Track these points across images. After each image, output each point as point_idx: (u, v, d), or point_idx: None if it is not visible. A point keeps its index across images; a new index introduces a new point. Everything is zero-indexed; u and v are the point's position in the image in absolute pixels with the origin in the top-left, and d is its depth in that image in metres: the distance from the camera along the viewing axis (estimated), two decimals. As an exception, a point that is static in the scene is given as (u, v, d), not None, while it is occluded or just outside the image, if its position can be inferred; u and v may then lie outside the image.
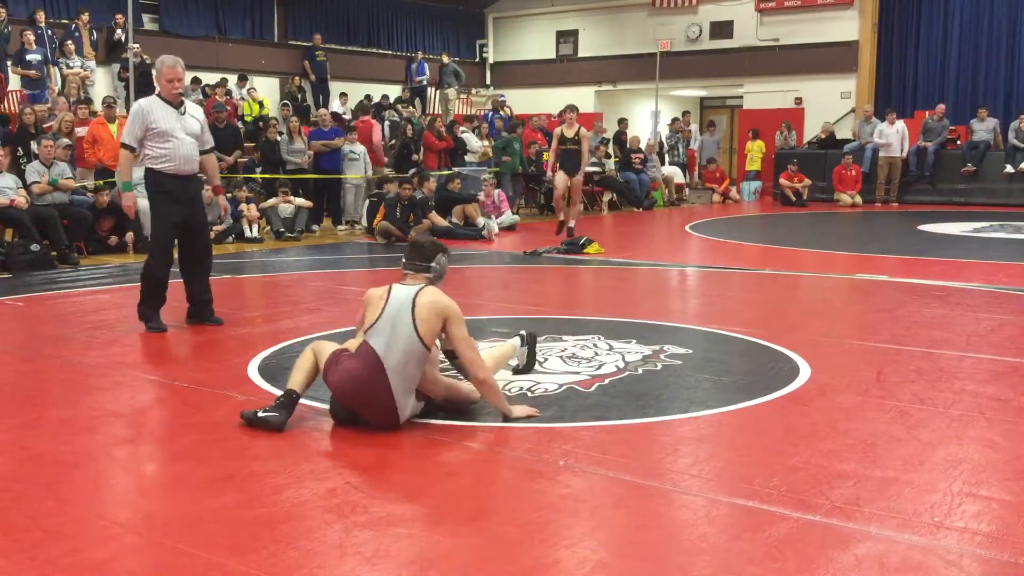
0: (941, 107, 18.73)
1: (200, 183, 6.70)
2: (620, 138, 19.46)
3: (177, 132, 6.30)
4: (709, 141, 21.47)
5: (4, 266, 9.41)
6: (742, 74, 21.87)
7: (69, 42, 15.10)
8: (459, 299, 4.51)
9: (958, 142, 18.64)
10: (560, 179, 11.92)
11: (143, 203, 11.23)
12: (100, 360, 5.64)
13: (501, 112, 20.22)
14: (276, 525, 3.16)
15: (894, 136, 18.14)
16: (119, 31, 15.97)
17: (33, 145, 11.15)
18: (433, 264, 4.41)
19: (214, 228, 11.95)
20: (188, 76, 17.20)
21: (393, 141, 16.46)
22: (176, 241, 6.57)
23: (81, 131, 12.17)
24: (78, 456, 3.91)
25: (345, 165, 14.10)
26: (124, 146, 6.42)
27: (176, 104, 6.36)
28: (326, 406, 4.48)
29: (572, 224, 11.94)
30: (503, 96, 22.31)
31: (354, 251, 11.75)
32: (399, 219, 12.25)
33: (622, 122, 20.66)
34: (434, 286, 4.37)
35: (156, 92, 6.44)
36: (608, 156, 18.76)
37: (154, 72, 6.37)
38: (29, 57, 14.23)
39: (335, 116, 15.61)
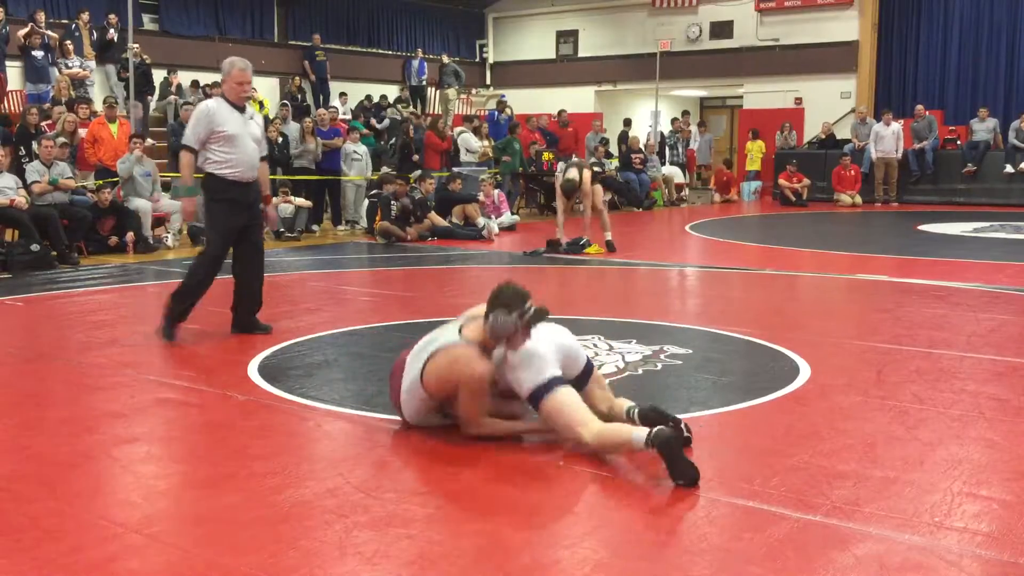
0: (920, 108, 18.68)
1: (259, 189, 6.41)
2: (625, 138, 19.49)
3: (243, 137, 6.05)
4: (701, 141, 21.46)
5: (4, 266, 9.41)
6: (742, 74, 21.88)
7: (68, 42, 15.10)
8: (458, 299, 4.50)
9: (958, 142, 18.64)
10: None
11: (138, 202, 11.35)
12: (100, 360, 5.64)
13: (505, 112, 20.25)
14: (276, 525, 3.16)
15: (890, 137, 18.14)
16: (112, 31, 15.98)
17: (34, 145, 11.15)
18: (489, 318, 3.87)
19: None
20: (187, 77, 17.46)
21: (393, 141, 16.46)
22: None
23: (83, 131, 12.19)
24: (78, 456, 3.91)
25: (347, 165, 14.10)
26: (186, 148, 6.11)
27: (242, 108, 6.13)
28: (327, 407, 4.48)
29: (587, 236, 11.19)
30: (504, 96, 22.32)
31: (354, 251, 11.75)
32: (394, 218, 12.24)
33: (627, 123, 20.66)
34: (475, 348, 3.88)
35: (220, 94, 6.19)
36: (609, 156, 18.76)
37: (221, 74, 6.14)
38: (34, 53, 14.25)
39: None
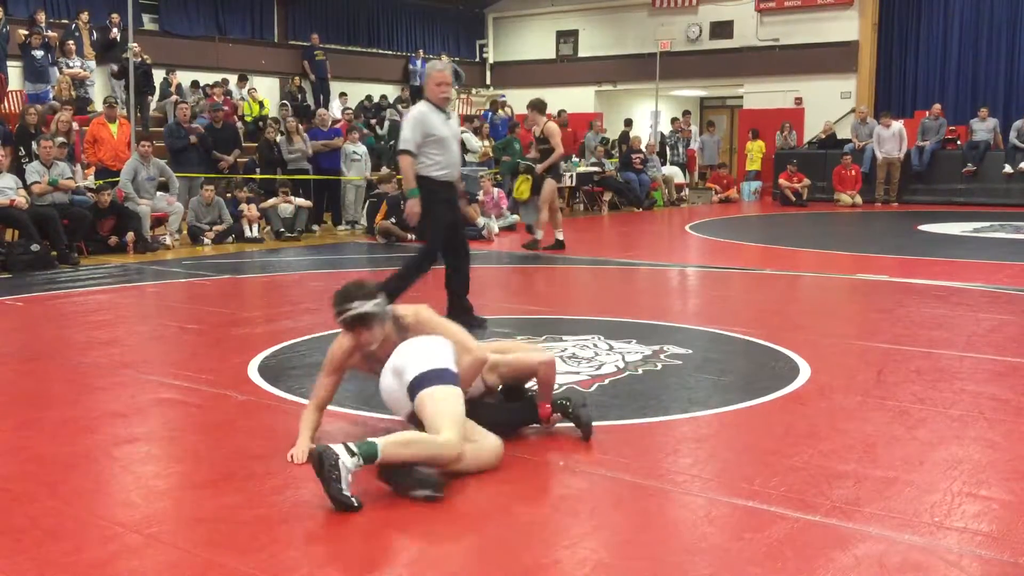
0: (937, 107, 18.74)
1: (459, 187, 6.59)
2: (625, 138, 19.49)
3: (450, 139, 6.25)
4: (710, 141, 21.47)
5: (4, 266, 9.41)
6: (742, 74, 21.88)
7: (70, 42, 15.10)
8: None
9: (958, 142, 18.64)
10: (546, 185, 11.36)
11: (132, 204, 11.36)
12: (100, 360, 5.64)
13: (501, 111, 20.23)
14: (276, 525, 3.16)
15: (890, 138, 18.14)
16: (115, 30, 15.98)
17: (34, 145, 11.15)
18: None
19: (214, 228, 11.99)
20: (187, 77, 17.47)
21: (392, 142, 16.46)
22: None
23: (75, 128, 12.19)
24: (78, 456, 3.91)
25: (347, 165, 14.10)
26: (405, 152, 6.19)
27: (444, 109, 6.26)
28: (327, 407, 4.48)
29: (540, 235, 11.41)
30: (503, 96, 22.30)
31: (354, 251, 11.75)
32: (404, 219, 12.25)
33: (628, 123, 20.65)
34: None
35: (424, 97, 6.29)
36: (609, 156, 18.77)
37: (424, 77, 6.33)
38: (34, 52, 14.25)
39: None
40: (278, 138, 13.91)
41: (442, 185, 6.26)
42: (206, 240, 11.85)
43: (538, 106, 11.45)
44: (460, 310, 6.46)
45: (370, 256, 11.28)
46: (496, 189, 14.37)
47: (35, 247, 9.75)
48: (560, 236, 11.37)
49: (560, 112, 19.60)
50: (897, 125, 18.25)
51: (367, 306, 3.90)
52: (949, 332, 6.34)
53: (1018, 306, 7.35)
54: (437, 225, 6.36)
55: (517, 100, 22.43)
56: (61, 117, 11.91)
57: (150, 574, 2.84)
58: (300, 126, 14.18)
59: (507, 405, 4.22)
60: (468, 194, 12.87)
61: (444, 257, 6.59)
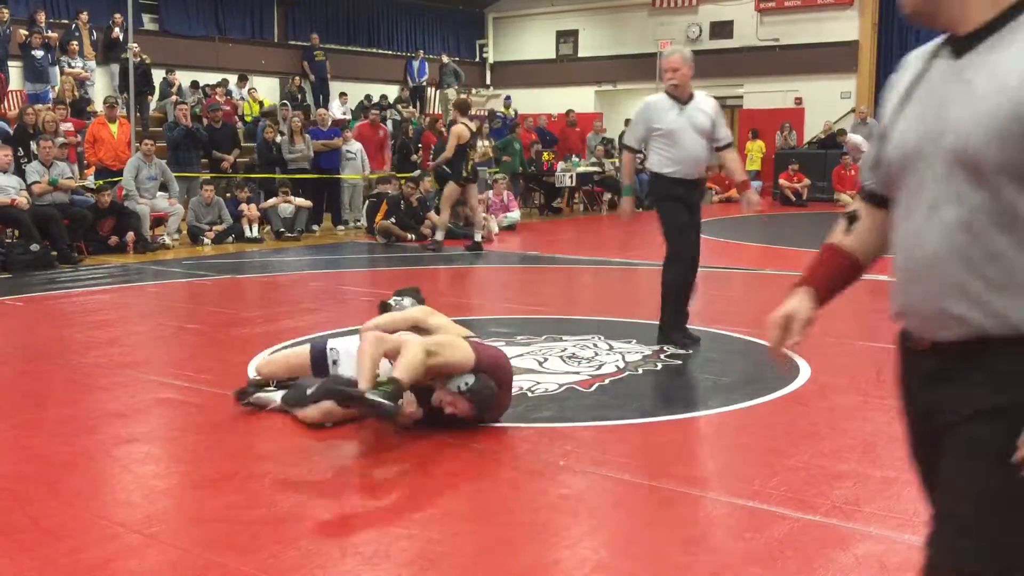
0: None
1: (704, 189, 6.03)
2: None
3: (683, 132, 5.62)
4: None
5: (4, 266, 9.41)
6: (742, 74, 21.86)
7: (73, 42, 15.08)
8: (459, 299, 4.52)
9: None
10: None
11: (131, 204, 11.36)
12: (100, 360, 5.64)
13: (500, 112, 20.24)
14: (276, 525, 3.16)
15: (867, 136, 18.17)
16: (117, 29, 15.98)
17: (33, 145, 11.14)
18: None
19: (213, 228, 11.99)
20: (187, 77, 17.46)
21: (393, 142, 16.46)
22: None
23: (66, 126, 12.16)
24: (78, 456, 3.91)
25: (341, 165, 14.08)
26: (626, 148, 5.95)
27: (682, 99, 5.68)
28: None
29: (440, 236, 11.32)
30: (509, 97, 22.29)
31: (354, 251, 11.74)
32: (404, 219, 12.26)
33: (628, 123, 20.63)
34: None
35: (664, 88, 5.86)
36: (609, 156, 18.77)
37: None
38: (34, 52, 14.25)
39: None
40: (277, 138, 13.90)
41: (674, 183, 5.70)
42: (206, 240, 11.85)
43: (459, 106, 11.54)
44: (672, 323, 5.88)
45: (370, 256, 11.28)
46: (506, 192, 14.37)
47: (35, 247, 9.74)
48: (478, 237, 11.42)
49: (568, 112, 19.64)
50: (872, 122, 18.26)
51: (404, 301, 4.52)
52: (949, 332, 6.33)
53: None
54: (667, 227, 5.80)
55: (517, 100, 22.45)
56: (47, 116, 11.85)
57: (150, 574, 2.84)
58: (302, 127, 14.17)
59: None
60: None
61: (678, 267, 5.91)
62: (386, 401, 3.73)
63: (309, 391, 3.92)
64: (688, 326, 5.99)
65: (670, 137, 5.61)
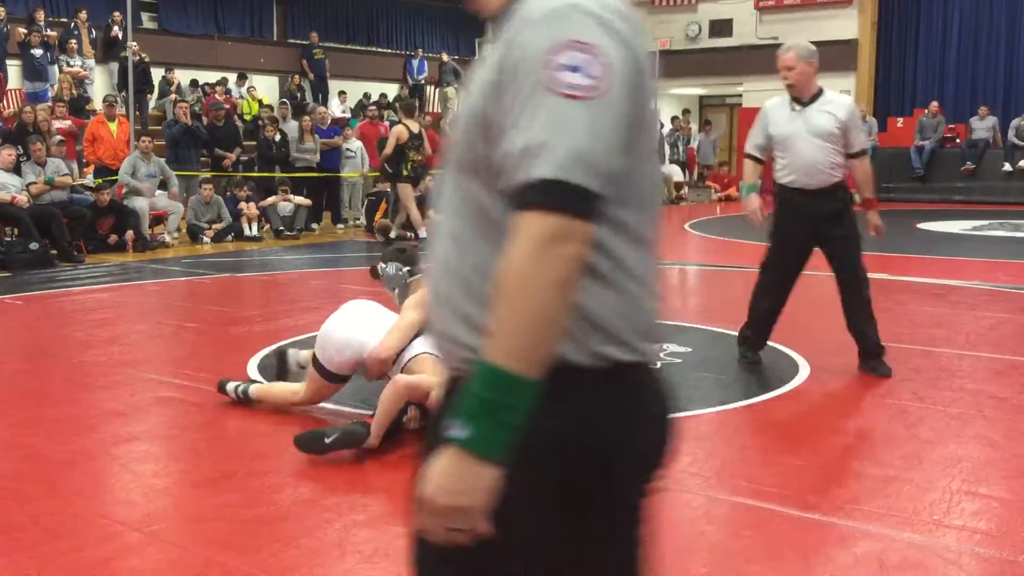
0: (934, 105, 18.74)
1: (842, 196, 5.17)
2: None
3: (796, 137, 5.07)
4: (706, 141, 21.46)
5: (3, 265, 9.41)
6: (742, 72, 21.84)
7: (72, 41, 15.07)
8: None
9: (957, 140, 18.64)
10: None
11: (138, 201, 11.36)
12: (99, 359, 5.64)
13: None
14: (276, 524, 3.16)
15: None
16: (116, 28, 15.97)
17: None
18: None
19: (212, 226, 11.98)
20: (186, 75, 17.44)
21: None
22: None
23: (59, 124, 12.15)
24: (78, 454, 3.91)
25: (341, 163, 14.08)
26: (746, 156, 5.48)
27: (802, 100, 5.11)
28: (327, 405, 4.48)
29: (394, 234, 11.79)
30: None
31: (353, 250, 11.74)
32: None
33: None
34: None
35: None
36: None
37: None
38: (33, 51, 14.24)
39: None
40: (276, 136, 13.88)
41: (792, 193, 5.14)
42: (205, 238, 11.85)
43: (403, 108, 11.79)
44: (747, 332, 5.39)
45: (369, 255, 11.28)
46: None
47: (34, 245, 9.74)
48: (423, 234, 11.66)
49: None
50: (871, 120, 18.29)
51: (388, 267, 4.47)
52: (948, 330, 6.35)
53: (1017, 304, 7.36)
54: (773, 238, 5.32)
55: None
56: (40, 116, 11.84)
57: (150, 572, 2.84)
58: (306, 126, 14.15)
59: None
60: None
61: (764, 278, 5.45)
62: (355, 430, 3.84)
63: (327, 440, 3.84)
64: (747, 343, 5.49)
65: (783, 143, 5.14)
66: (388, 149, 11.63)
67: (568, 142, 1.20)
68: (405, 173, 11.53)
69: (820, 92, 5.09)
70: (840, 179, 5.10)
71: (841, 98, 5.23)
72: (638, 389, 1.38)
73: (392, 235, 11.67)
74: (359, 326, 4.28)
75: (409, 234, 11.70)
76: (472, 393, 1.21)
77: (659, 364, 5.29)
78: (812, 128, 5.03)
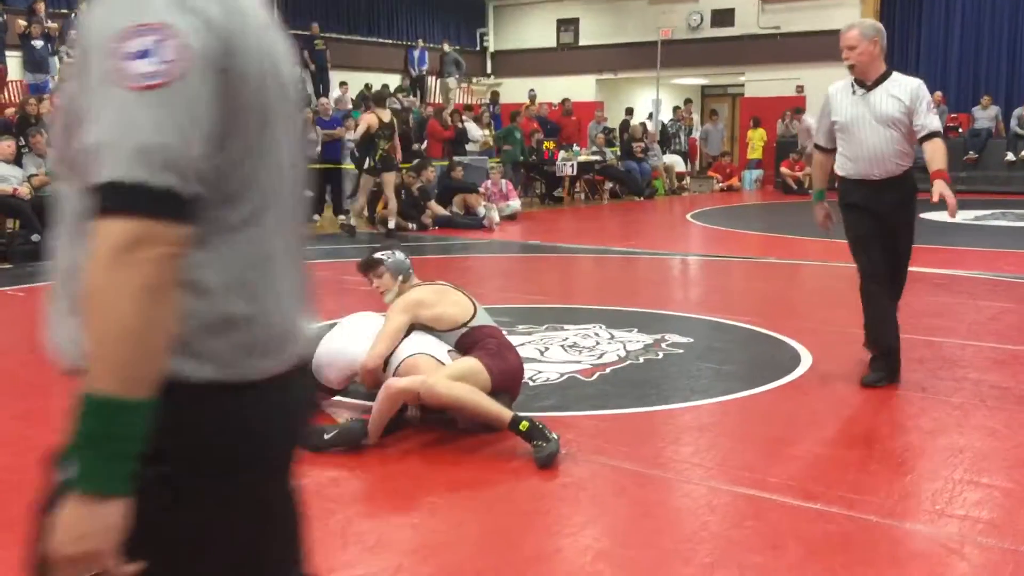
0: (937, 94, 18.68)
1: (908, 187, 4.84)
2: (626, 127, 19.51)
3: (859, 122, 4.62)
4: (714, 131, 21.43)
5: (5, 256, 9.41)
6: (743, 62, 21.80)
7: (73, 32, 15.04)
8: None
9: (960, 130, 18.60)
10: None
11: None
12: (102, 350, 5.63)
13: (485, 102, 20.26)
14: (278, 515, 3.16)
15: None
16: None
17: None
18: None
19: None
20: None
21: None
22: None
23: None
24: (80, 446, 3.91)
25: (343, 155, 14.06)
26: (816, 148, 5.00)
27: (866, 83, 4.63)
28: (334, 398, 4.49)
29: (354, 221, 11.98)
30: (533, 90, 22.25)
31: (354, 241, 11.73)
32: (405, 208, 12.26)
33: (629, 112, 20.60)
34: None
35: None
36: (610, 144, 18.74)
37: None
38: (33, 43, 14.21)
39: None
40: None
41: (853, 185, 4.72)
42: (206, 231, 11.84)
43: (374, 97, 11.92)
44: (882, 365, 4.75)
45: (371, 246, 11.25)
46: (504, 180, 14.36)
47: (36, 237, 9.73)
48: (391, 224, 11.77)
49: (564, 101, 19.58)
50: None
51: (396, 253, 4.48)
52: (950, 320, 6.34)
53: (1019, 294, 7.35)
54: (848, 238, 4.87)
55: (518, 89, 22.39)
56: (42, 109, 11.81)
57: (152, 563, 2.84)
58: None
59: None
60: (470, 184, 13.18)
61: (866, 286, 4.90)
62: (353, 429, 3.84)
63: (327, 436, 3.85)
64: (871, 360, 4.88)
65: (844, 130, 4.67)
66: (357, 135, 11.82)
67: (135, 140, 1.10)
68: (372, 163, 11.67)
69: (887, 73, 4.64)
70: (908, 168, 4.74)
71: (908, 80, 4.72)
72: (246, 407, 1.26)
73: (353, 222, 11.84)
74: (348, 340, 4.27)
75: (351, 222, 11.94)
76: (77, 428, 1.12)
77: (661, 355, 5.30)
78: (877, 114, 4.58)
